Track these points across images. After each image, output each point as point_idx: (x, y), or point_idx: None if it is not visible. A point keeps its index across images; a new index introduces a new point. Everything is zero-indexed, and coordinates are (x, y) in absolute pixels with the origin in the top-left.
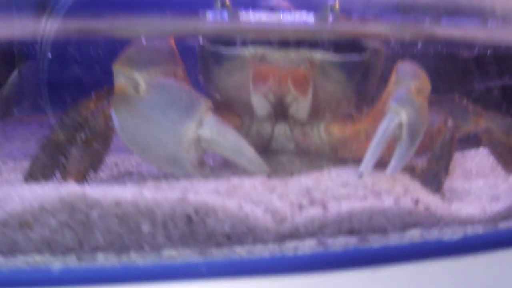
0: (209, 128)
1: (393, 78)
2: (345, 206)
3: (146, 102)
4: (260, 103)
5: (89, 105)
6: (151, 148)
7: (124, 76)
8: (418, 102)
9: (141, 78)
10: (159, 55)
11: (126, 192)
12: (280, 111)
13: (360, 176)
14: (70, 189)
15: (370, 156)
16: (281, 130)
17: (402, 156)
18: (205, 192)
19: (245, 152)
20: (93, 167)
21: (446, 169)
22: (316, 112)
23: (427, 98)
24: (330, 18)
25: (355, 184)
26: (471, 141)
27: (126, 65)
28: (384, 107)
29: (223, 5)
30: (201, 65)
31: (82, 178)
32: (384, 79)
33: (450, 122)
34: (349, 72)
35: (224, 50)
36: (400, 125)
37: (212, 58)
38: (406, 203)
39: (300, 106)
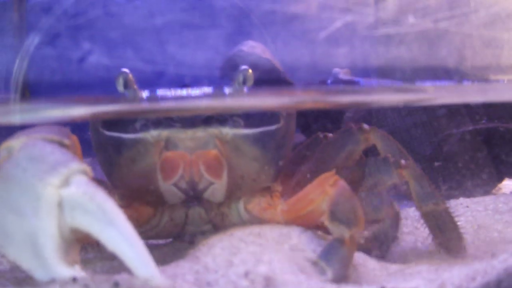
0: (75, 187)
1: (322, 189)
2: None
3: (13, 159)
4: (171, 192)
5: None
6: (6, 223)
7: (5, 150)
8: (349, 254)
9: (18, 142)
10: (47, 129)
11: None
12: (194, 196)
13: None
14: None
15: None
16: (196, 214)
17: None
18: None
19: (119, 224)
20: None
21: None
22: (233, 192)
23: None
24: (245, 89)
25: None
26: None
27: (8, 141)
28: (309, 201)
29: (127, 86)
30: (99, 153)
31: None
32: None
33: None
34: (264, 143)
35: (123, 136)
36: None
37: (110, 144)
38: None
39: (216, 189)
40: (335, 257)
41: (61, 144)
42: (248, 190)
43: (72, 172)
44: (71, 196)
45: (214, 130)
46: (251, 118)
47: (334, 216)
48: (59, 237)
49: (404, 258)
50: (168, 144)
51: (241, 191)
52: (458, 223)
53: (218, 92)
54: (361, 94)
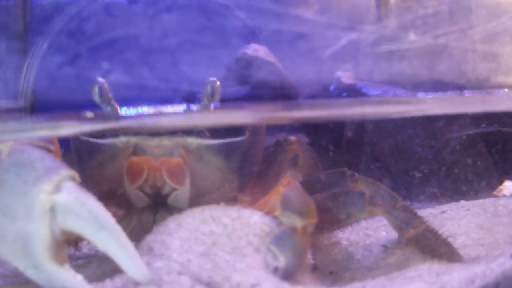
0: (66, 193)
1: (279, 191)
2: None
3: (3, 163)
4: (137, 196)
5: None
6: None
7: None
8: (301, 243)
9: (5, 147)
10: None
11: None
12: (159, 201)
13: None
14: None
15: None
16: (162, 218)
17: None
18: None
19: (109, 227)
20: None
21: None
22: (197, 198)
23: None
24: (212, 106)
25: None
26: None
27: None
28: (265, 204)
29: (103, 96)
30: (75, 156)
31: None
32: None
33: None
34: (228, 155)
35: (95, 140)
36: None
37: (83, 148)
38: None
39: (179, 195)
40: (287, 244)
41: (47, 150)
42: (213, 198)
43: (62, 178)
44: (63, 202)
45: (179, 139)
46: (217, 129)
47: (285, 206)
48: (51, 239)
49: (405, 262)
50: (136, 150)
51: (205, 199)
52: (441, 234)
53: (186, 110)
54: (342, 108)
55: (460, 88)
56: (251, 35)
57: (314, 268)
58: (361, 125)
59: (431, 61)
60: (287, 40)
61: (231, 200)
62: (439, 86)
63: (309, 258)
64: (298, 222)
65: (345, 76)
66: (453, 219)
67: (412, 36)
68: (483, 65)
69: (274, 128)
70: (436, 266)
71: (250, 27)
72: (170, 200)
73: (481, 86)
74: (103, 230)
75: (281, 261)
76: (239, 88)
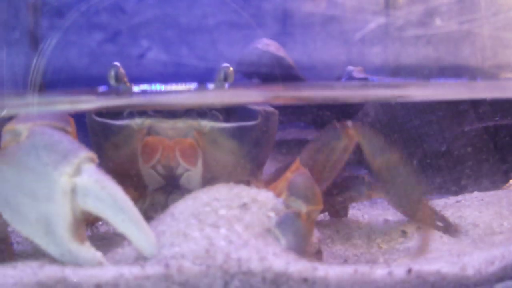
0: (87, 176)
1: (287, 176)
2: None
3: (23, 146)
4: (150, 176)
5: None
6: (20, 205)
7: (10, 133)
8: (304, 228)
9: (24, 128)
10: (49, 114)
11: (106, 273)
12: (172, 182)
13: None
14: (48, 272)
15: None
16: (175, 200)
17: None
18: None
19: (127, 210)
20: None
21: None
22: (209, 180)
23: (316, 217)
24: (226, 86)
25: None
26: None
27: (12, 123)
28: (274, 188)
29: (118, 80)
30: (92, 138)
31: None
32: None
33: None
34: (240, 138)
35: (111, 122)
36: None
37: (100, 130)
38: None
39: (191, 177)
40: (289, 227)
41: (65, 131)
42: (225, 181)
43: (82, 160)
44: (84, 184)
45: (193, 122)
46: (230, 113)
47: (291, 191)
48: (72, 219)
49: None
50: (151, 132)
51: (218, 182)
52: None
53: (200, 88)
54: (349, 90)
55: (479, 73)
56: (285, 17)
57: (318, 252)
58: (372, 119)
59: (454, 47)
60: (319, 23)
61: (244, 184)
62: (461, 72)
63: (314, 243)
64: (303, 207)
65: (356, 70)
66: (469, 207)
67: (437, 22)
68: (504, 53)
69: (285, 123)
70: (456, 249)
71: (284, 10)
72: (182, 181)
73: (501, 73)
74: (121, 213)
75: (283, 244)
76: (249, 82)
